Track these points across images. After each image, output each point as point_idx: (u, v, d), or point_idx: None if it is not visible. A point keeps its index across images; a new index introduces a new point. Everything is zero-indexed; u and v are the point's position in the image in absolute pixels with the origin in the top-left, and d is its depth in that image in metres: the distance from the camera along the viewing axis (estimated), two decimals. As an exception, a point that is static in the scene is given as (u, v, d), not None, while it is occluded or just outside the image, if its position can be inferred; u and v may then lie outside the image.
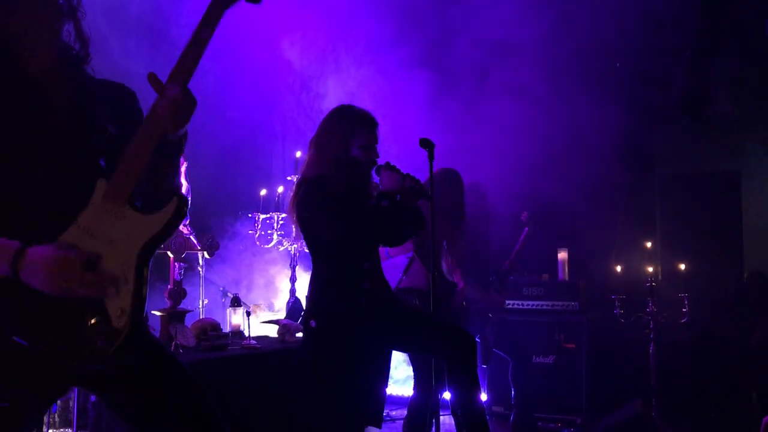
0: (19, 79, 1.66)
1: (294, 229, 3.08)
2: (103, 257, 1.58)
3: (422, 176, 4.02)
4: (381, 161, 2.99)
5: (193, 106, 1.66)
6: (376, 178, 2.99)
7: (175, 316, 4.02)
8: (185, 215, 1.70)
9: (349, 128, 2.91)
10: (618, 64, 6.24)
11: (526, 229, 4.99)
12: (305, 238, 2.99)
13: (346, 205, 2.80)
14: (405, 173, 2.91)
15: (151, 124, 1.62)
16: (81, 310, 1.57)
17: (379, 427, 2.96)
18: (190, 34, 1.69)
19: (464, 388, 3.15)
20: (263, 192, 4.92)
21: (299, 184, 2.93)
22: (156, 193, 1.71)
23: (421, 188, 2.94)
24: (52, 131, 1.66)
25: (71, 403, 3.27)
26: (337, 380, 2.82)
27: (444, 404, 5.38)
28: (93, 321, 1.57)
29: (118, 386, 1.75)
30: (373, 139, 2.94)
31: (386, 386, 3.05)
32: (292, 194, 2.97)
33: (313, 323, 2.88)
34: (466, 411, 3.16)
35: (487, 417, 5.37)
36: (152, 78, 1.64)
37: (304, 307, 3.07)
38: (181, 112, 1.63)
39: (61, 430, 3.40)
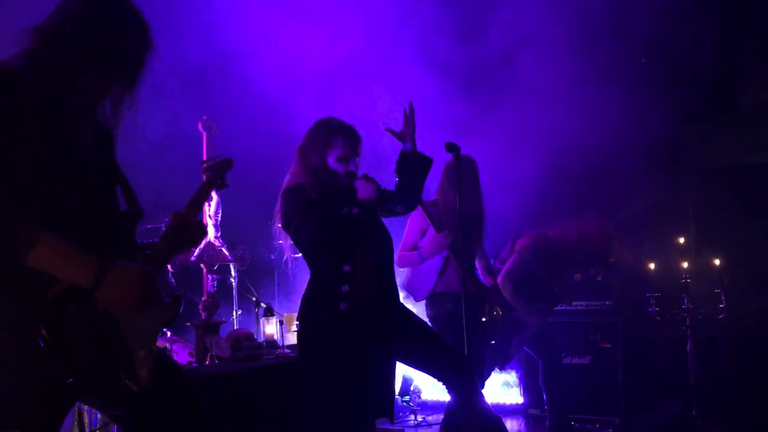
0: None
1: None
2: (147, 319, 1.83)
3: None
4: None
5: (202, 236, 2.09)
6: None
7: (209, 327, 4.08)
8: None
9: (328, 140, 3.00)
10: (644, 60, 6.17)
11: (598, 278, 4.99)
12: (293, 245, 3.09)
13: (319, 212, 2.86)
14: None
15: (174, 246, 2.00)
16: (116, 356, 1.72)
17: (391, 420, 2.97)
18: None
19: (471, 410, 3.04)
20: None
21: (280, 195, 3.03)
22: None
23: (393, 196, 3.06)
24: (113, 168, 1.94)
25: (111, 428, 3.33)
26: (320, 383, 2.82)
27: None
28: (124, 366, 1.72)
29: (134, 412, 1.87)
30: (352, 151, 3.01)
31: (389, 385, 3.00)
32: (277, 207, 3.06)
33: (299, 326, 2.98)
34: (486, 427, 3.08)
35: (524, 419, 5.36)
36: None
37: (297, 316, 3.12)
38: (192, 242, 2.07)
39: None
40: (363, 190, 2.89)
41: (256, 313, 4.81)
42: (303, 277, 3.10)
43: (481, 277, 4.35)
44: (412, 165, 3.10)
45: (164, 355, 2.00)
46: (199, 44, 5.63)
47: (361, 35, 6.14)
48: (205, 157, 4.41)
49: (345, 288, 2.87)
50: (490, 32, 5.90)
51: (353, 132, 3.05)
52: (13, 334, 1.63)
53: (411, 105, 3.11)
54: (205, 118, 4.48)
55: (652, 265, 5.00)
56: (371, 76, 6.14)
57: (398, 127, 3.14)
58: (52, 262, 1.60)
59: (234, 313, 4.77)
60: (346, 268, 2.89)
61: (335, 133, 3.01)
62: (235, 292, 4.73)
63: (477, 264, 4.33)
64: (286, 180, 3.06)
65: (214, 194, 4.33)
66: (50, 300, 1.62)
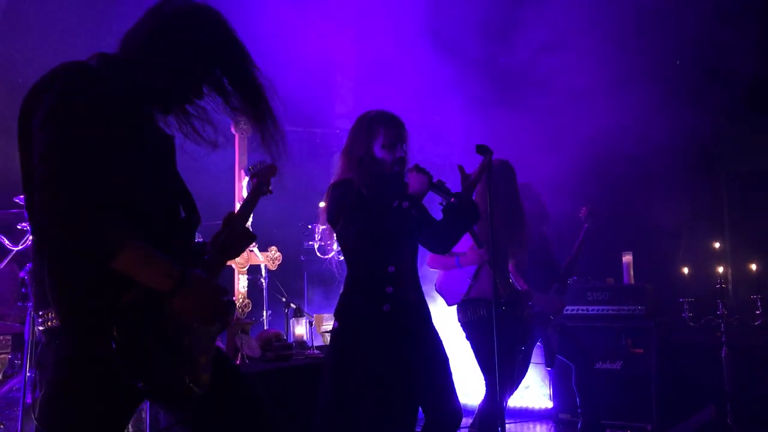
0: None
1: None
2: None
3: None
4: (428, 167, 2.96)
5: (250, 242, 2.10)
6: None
7: (240, 327, 4.11)
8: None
9: (369, 129, 2.92)
10: (678, 61, 6.08)
11: (586, 225, 4.84)
12: (337, 241, 3.01)
13: (368, 207, 2.78)
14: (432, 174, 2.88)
15: (224, 255, 2.03)
16: (182, 361, 1.73)
17: None
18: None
19: None
20: (322, 204, 4.99)
21: (328, 189, 2.96)
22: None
23: (445, 189, 2.91)
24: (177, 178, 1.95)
25: (143, 414, 3.37)
26: (355, 383, 2.77)
27: (510, 413, 5.33)
28: (188, 372, 1.73)
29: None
30: (396, 137, 2.91)
31: (414, 400, 2.92)
32: (324, 201, 3.00)
33: (336, 324, 2.90)
34: None
35: (554, 424, 5.32)
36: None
37: (334, 313, 3.03)
38: (241, 248, 2.08)
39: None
40: (414, 182, 2.80)
41: (286, 314, 4.84)
42: (334, 277, 3.08)
43: (513, 277, 4.33)
44: (460, 213, 2.92)
45: (222, 355, 2.01)
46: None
47: (391, 36, 6.15)
48: (237, 160, 4.45)
49: (389, 289, 2.82)
50: (524, 34, 5.87)
51: (395, 119, 2.96)
52: (87, 336, 1.65)
53: (489, 157, 2.95)
54: (238, 120, 4.51)
55: (686, 270, 4.93)
56: (400, 78, 6.16)
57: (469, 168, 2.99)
58: (136, 266, 1.62)
59: (264, 314, 4.80)
60: (391, 268, 2.84)
61: (376, 122, 2.93)
62: (265, 293, 4.76)
63: (510, 265, 4.31)
64: (333, 178, 2.98)
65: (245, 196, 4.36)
66: (124, 305, 1.64)
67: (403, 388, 2.85)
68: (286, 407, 3.56)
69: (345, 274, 2.98)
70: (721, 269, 4.60)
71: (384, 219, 2.76)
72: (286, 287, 5.08)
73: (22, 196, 1.97)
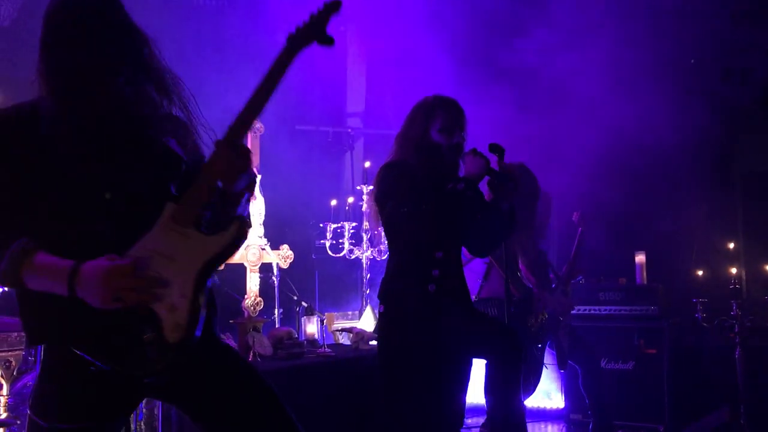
0: (84, 117, 1.72)
1: (373, 222, 3.07)
2: (163, 273, 1.66)
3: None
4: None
5: (247, 164, 1.73)
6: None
7: (252, 325, 4.13)
8: (245, 238, 1.74)
9: (427, 114, 2.88)
10: (692, 60, 6.05)
11: (580, 229, 4.84)
12: (383, 224, 2.97)
13: (422, 190, 2.74)
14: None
15: (209, 173, 1.72)
16: (137, 325, 1.64)
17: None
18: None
19: (503, 389, 2.85)
20: (334, 202, 5.00)
21: (379, 169, 2.92)
22: (221, 218, 1.76)
23: (508, 176, 2.85)
24: (118, 162, 1.74)
25: (156, 411, 3.39)
26: (406, 366, 2.77)
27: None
28: (147, 335, 1.64)
29: (188, 395, 1.85)
30: (454, 122, 2.86)
31: (464, 389, 2.93)
32: (374, 181, 2.97)
33: (382, 308, 2.88)
34: (501, 415, 2.84)
35: (565, 424, 5.30)
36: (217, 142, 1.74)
37: (378, 296, 3.00)
38: (234, 172, 1.72)
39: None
40: (470, 165, 2.76)
41: (297, 312, 4.85)
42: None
43: (524, 278, 4.33)
44: (498, 217, 2.88)
45: (232, 351, 1.96)
46: (240, 46, 5.71)
47: (402, 35, 6.15)
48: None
49: (436, 272, 2.80)
50: (535, 34, 5.85)
51: (455, 104, 2.92)
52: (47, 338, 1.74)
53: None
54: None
55: (699, 271, 4.90)
56: (412, 77, 6.16)
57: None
58: (38, 284, 1.62)
59: (276, 312, 4.81)
60: (439, 254, 2.82)
61: (435, 105, 2.90)
62: (276, 291, 4.77)
63: (520, 265, 4.30)
64: (386, 159, 2.94)
65: (258, 194, 4.36)
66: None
67: (450, 364, 2.83)
68: (297, 405, 3.57)
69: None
70: (734, 270, 4.58)
71: (437, 201, 2.72)
72: (298, 286, 5.09)
73: None
